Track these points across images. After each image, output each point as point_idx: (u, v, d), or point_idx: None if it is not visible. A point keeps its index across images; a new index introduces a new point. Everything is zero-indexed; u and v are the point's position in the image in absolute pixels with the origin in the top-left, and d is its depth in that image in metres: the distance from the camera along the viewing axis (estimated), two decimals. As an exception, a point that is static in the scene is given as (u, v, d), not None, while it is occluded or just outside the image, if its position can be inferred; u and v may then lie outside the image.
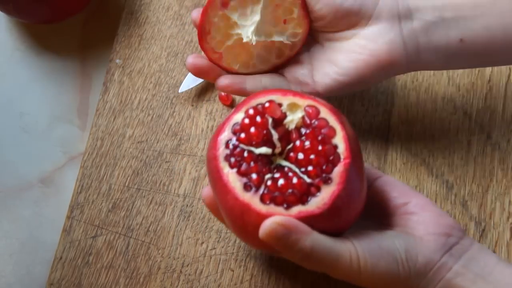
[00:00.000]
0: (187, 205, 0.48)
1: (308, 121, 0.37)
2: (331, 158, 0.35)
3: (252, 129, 0.36)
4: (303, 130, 0.37)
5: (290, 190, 0.35)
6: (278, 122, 0.37)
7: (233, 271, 0.46)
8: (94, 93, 0.55)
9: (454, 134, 0.50)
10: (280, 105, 0.37)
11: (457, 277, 0.37)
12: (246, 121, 0.37)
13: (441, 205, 0.48)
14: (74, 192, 0.49)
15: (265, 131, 0.36)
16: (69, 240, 0.48)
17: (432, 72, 0.52)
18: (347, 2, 0.42)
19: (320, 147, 0.36)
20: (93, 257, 0.47)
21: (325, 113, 0.37)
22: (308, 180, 0.35)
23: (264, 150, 0.36)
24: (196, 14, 0.44)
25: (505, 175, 0.48)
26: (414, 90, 0.52)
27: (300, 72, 0.45)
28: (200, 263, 0.46)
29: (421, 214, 0.39)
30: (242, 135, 0.36)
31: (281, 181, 0.35)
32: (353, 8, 0.42)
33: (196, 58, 0.45)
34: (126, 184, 0.49)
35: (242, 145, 0.36)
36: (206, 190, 0.40)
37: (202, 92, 0.53)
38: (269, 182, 0.35)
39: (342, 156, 0.35)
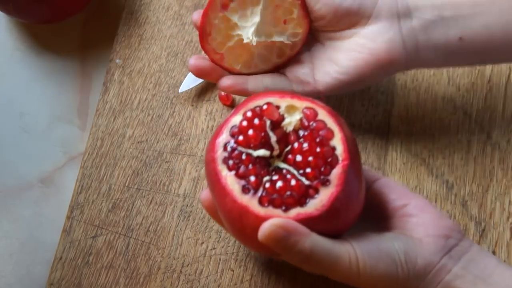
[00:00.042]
0: (187, 205, 0.48)
1: (306, 123, 0.37)
2: (329, 160, 0.35)
3: (250, 132, 0.36)
4: (301, 132, 0.37)
5: (288, 192, 0.35)
6: (276, 125, 0.37)
7: (233, 271, 0.46)
8: (94, 93, 0.55)
9: (454, 134, 0.50)
10: (278, 107, 0.37)
11: (456, 279, 0.37)
12: (244, 123, 0.37)
13: (441, 205, 0.48)
14: (74, 192, 0.49)
15: (263, 134, 0.36)
16: (69, 240, 0.48)
17: (432, 72, 0.52)
18: (346, 2, 0.42)
19: (318, 149, 0.36)
20: (93, 257, 0.47)
21: (323, 115, 0.37)
22: (306, 182, 0.35)
23: (262, 152, 0.36)
24: (197, 16, 0.44)
25: (505, 175, 0.48)
26: (414, 90, 0.52)
27: (301, 71, 0.45)
28: (200, 263, 0.46)
29: (420, 216, 0.39)
30: (240, 138, 0.36)
31: (279, 183, 0.35)
32: (352, 7, 0.42)
33: (198, 59, 0.45)
34: (126, 184, 0.49)
35: (240, 148, 0.36)
36: (205, 193, 0.40)
37: (202, 92, 0.53)
38: (267, 185, 0.35)
39: (340, 158, 0.35)
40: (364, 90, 0.52)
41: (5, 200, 0.51)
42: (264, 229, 0.33)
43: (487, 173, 0.49)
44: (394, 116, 0.51)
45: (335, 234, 0.36)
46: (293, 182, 0.35)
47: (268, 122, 0.37)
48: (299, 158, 0.36)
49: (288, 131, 0.37)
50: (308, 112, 0.37)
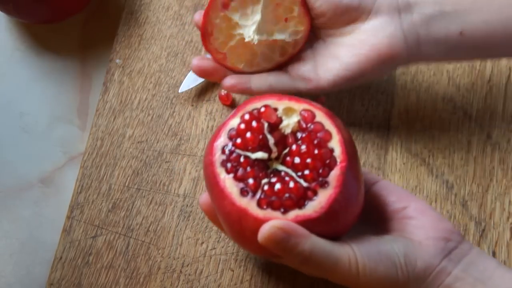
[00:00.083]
0: (187, 205, 0.48)
1: (304, 125, 0.37)
2: (327, 161, 0.35)
3: (248, 134, 0.36)
4: (299, 134, 0.37)
5: (287, 195, 0.35)
6: (274, 127, 0.37)
7: (233, 271, 0.46)
8: (94, 93, 0.55)
9: (454, 134, 0.50)
10: (275, 109, 0.37)
11: (456, 281, 0.37)
12: (242, 126, 0.37)
13: (441, 205, 0.48)
14: (74, 192, 0.49)
15: (261, 136, 0.36)
16: (69, 240, 0.48)
17: (432, 72, 0.52)
18: None
19: (316, 151, 0.36)
20: (93, 257, 0.47)
21: (321, 117, 0.37)
22: (304, 184, 0.35)
23: (260, 155, 0.36)
24: (198, 16, 0.44)
25: (505, 175, 0.48)
26: (414, 90, 0.52)
27: (303, 69, 0.45)
28: (200, 263, 0.46)
29: (419, 219, 0.39)
30: (238, 141, 0.36)
31: (277, 186, 0.35)
32: (353, 3, 0.42)
33: (200, 60, 0.45)
34: (126, 184, 0.49)
35: (238, 151, 0.36)
36: (203, 196, 0.40)
37: (202, 92, 0.53)
38: (266, 187, 0.35)
39: (338, 160, 0.35)
40: (364, 90, 0.52)
41: (5, 200, 0.51)
42: (264, 230, 0.33)
43: (487, 173, 0.49)
44: (394, 116, 0.51)
45: (334, 236, 0.36)
46: (291, 184, 0.35)
47: (266, 125, 0.37)
48: (297, 160, 0.36)
49: (286, 133, 0.37)
50: (305, 114, 0.37)
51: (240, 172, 0.35)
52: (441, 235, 0.38)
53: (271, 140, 0.37)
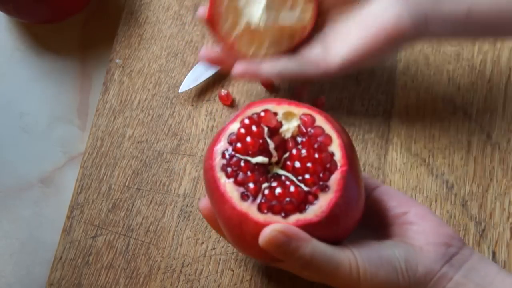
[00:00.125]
0: (187, 205, 0.48)
1: (304, 130, 0.37)
2: (328, 166, 0.35)
3: (248, 139, 0.36)
4: (299, 139, 0.37)
5: (287, 199, 0.34)
6: (274, 131, 0.37)
7: (233, 271, 0.46)
8: (94, 93, 0.55)
9: (454, 134, 0.50)
10: (275, 114, 0.37)
11: (457, 287, 0.37)
12: (242, 130, 0.37)
13: (441, 205, 0.48)
14: (74, 192, 0.49)
15: (261, 141, 0.36)
16: (69, 240, 0.48)
17: (432, 72, 0.52)
18: None
19: (316, 155, 0.36)
20: (93, 257, 0.47)
21: (321, 121, 0.37)
22: (305, 188, 0.35)
23: (260, 159, 0.36)
24: (203, 10, 0.44)
25: (505, 175, 0.48)
26: (414, 90, 0.52)
27: (312, 53, 0.45)
28: (200, 263, 0.46)
29: (420, 224, 0.39)
30: (238, 145, 0.36)
31: (278, 190, 0.35)
32: None
33: (208, 49, 0.45)
34: (126, 184, 0.49)
35: (238, 155, 0.36)
36: (203, 201, 0.40)
37: (202, 92, 0.53)
38: (266, 191, 0.35)
39: (339, 164, 0.35)
40: (364, 90, 0.52)
41: (5, 200, 0.51)
42: (265, 234, 0.33)
43: (487, 173, 0.49)
44: (394, 116, 0.51)
45: (335, 241, 0.36)
46: (292, 189, 0.35)
47: (266, 129, 0.37)
48: (297, 164, 0.36)
49: (286, 137, 0.37)
50: (305, 119, 0.37)
51: (241, 176, 0.35)
52: (442, 241, 0.38)
53: (271, 145, 0.37)
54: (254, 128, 0.37)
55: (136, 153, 0.51)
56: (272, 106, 0.38)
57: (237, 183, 0.35)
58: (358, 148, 0.49)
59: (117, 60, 0.54)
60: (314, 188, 0.35)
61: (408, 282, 0.36)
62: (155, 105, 0.52)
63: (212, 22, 0.44)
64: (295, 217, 0.34)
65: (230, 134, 0.37)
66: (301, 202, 0.35)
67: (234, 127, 0.37)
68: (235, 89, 0.53)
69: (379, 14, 0.42)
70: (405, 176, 0.49)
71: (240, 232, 0.35)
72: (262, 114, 0.37)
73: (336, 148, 0.36)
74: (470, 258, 0.38)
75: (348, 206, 0.35)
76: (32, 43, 0.57)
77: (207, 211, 0.39)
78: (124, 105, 0.52)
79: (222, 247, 0.47)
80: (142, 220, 0.48)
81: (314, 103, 0.51)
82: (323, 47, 0.45)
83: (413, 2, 0.42)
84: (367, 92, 0.52)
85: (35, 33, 0.58)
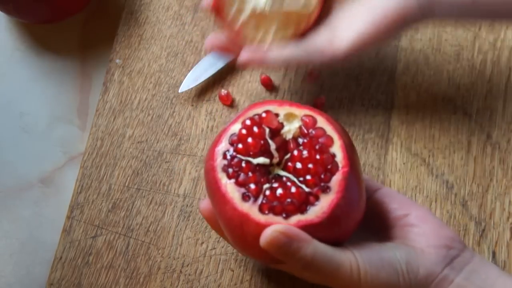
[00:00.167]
0: (187, 205, 0.48)
1: (305, 131, 0.37)
2: (329, 167, 0.35)
3: (250, 140, 0.36)
4: (300, 140, 0.37)
5: (288, 200, 0.34)
6: (275, 132, 0.37)
7: (233, 271, 0.46)
8: (94, 93, 0.55)
9: (454, 134, 0.50)
10: (277, 115, 0.37)
11: None
12: (243, 131, 0.37)
13: (441, 205, 0.48)
14: (74, 192, 0.49)
15: (262, 141, 0.36)
16: (69, 240, 0.48)
17: (432, 72, 0.52)
18: None
19: (318, 156, 0.36)
20: (93, 257, 0.47)
21: (322, 122, 0.37)
22: (306, 189, 0.35)
23: (261, 160, 0.36)
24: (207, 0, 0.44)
25: (505, 175, 0.48)
26: (414, 90, 0.52)
27: (319, 39, 0.44)
28: (200, 263, 0.46)
29: (421, 226, 0.38)
30: (240, 146, 0.36)
31: (279, 191, 0.35)
32: None
33: (214, 37, 0.45)
34: (126, 184, 0.49)
35: (239, 156, 0.36)
36: (204, 202, 0.40)
37: (202, 92, 0.53)
38: (267, 192, 0.35)
39: (340, 165, 0.35)
40: (364, 90, 0.52)
41: (5, 200, 0.51)
42: (266, 235, 0.33)
43: (487, 173, 0.49)
44: (394, 116, 0.51)
45: (336, 242, 0.36)
46: (293, 189, 0.35)
47: (267, 130, 0.37)
48: (299, 165, 0.36)
49: (287, 138, 0.37)
50: (307, 120, 0.37)
51: (242, 177, 0.35)
52: (442, 243, 0.38)
53: (272, 146, 0.37)
54: (255, 129, 0.37)
55: (136, 153, 0.51)
56: (273, 107, 0.38)
57: (238, 183, 0.35)
58: (358, 148, 0.49)
59: (117, 60, 0.54)
60: (315, 189, 0.35)
61: (409, 284, 0.36)
62: (155, 105, 0.52)
63: (217, 8, 0.44)
64: (296, 218, 0.34)
65: (232, 135, 0.37)
66: (302, 203, 0.34)
67: (236, 128, 0.37)
68: (235, 89, 0.53)
69: None
70: (405, 176, 0.49)
71: (241, 233, 0.35)
72: (264, 115, 0.37)
73: (337, 149, 0.36)
74: (471, 260, 0.38)
75: (349, 207, 0.35)
76: (32, 43, 0.57)
77: (207, 212, 0.39)
78: (124, 105, 0.52)
79: (222, 247, 0.47)
80: (142, 220, 0.48)
81: (314, 103, 0.51)
82: (329, 33, 0.44)
83: None
84: (367, 92, 0.52)
85: (35, 33, 0.58)
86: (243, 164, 0.36)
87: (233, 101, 0.52)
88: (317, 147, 0.36)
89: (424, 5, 0.42)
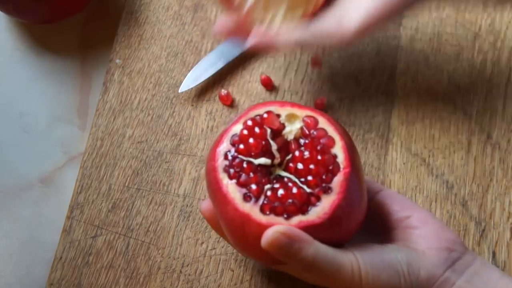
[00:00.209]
0: (187, 205, 0.48)
1: (306, 132, 0.37)
2: (330, 167, 0.35)
3: (251, 140, 0.36)
4: (302, 141, 0.37)
5: (290, 200, 0.34)
6: (277, 133, 0.37)
7: (233, 271, 0.46)
8: (94, 93, 0.55)
9: (454, 134, 0.50)
10: (278, 116, 0.37)
11: None
12: (245, 132, 0.37)
13: (441, 205, 0.48)
14: (74, 192, 0.49)
15: (264, 142, 0.36)
16: (69, 240, 0.48)
17: (432, 72, 0.52)
18: None
19: (319, 157, 0.36)
20: (93, 257, 0.47)
21: (324, 123, 0.37)
22: (308, 190, 0.35)
23: (263, 160, 0.36)
24: None
25: (505, 175, 0.48)
26: (414, 90, 0.52)
27: (327, 21, 0.44)
28: (200, 263, 0.46)
29: (423, 228, 0.38)
30: (241, 146, 0.36)
31: (280, 191, 0.35)
32: None
33: (222, 20, 0.44)
34: (126, 184, 0.49)
35: (241, 156, 0.36)
36: (205, 203, 0.40)
37: (202, 92, 0.53)
38: (268, 193, 0.35)
39: (341, 166, 0.35)
40: (364, 90, 0.52)
41: (5, 200, 0.51)
42: (267, 236, 0.33)
43: (487, 173, 0.49)
44: (394, 116, 0.51)
45: (337, 243, 0.36)
46: (294, 190, 0.35)
47: (268, 131, 0.37)
48: (300, 166, 0.36)
49: (289, 139, 0.37)
50: (308, 121, 0.37)
51: (243, 177, 0.35)
52: (444, 245, 0.38)
53: (274, 146, 0.37)
54: (257, 129, 0.37)
55: (136, 153, 0.51)
56: (275, 108, 0.38)
57: (240, 184, 0.35)
58: (358, 148, 0.49)
59: (117, 60, 0.54)
60: (316, 190, 0.35)
61: (410, 286, 0.36)
62: (155, 105, 0.52)
63: None
64: (297, 219, 0.34)
65: (233, 136, 0.37)
66: (304, 204, 0.34)
67: (237, 128, 0.37)
68: (235, 89, 0.53)
69: None
70: (405, 176, 0.49)
71: (242, 233, 0.35)
72: (265, 115, 0.37)
73: (339, 150, 0.36)
74: (472, 263, 0.38)
75: (350, 208, 0.35)
76: (32, 43, 0.57)
77: (208, 212, 0.39)
78: (124, 105, 0.52)
79: (222, 247, 0.47)
80: (142, 220, 0.48)
81: (315, 103, 0.51)
82: (338, 14, 0.44)
83: None
84: (367, 92, 0.52)
85: (35, 33, 0.58)
86: (245, 165, 0.36)
87: (233, 101, 0.52)
88: (318, 147, 0.36)
89: None
